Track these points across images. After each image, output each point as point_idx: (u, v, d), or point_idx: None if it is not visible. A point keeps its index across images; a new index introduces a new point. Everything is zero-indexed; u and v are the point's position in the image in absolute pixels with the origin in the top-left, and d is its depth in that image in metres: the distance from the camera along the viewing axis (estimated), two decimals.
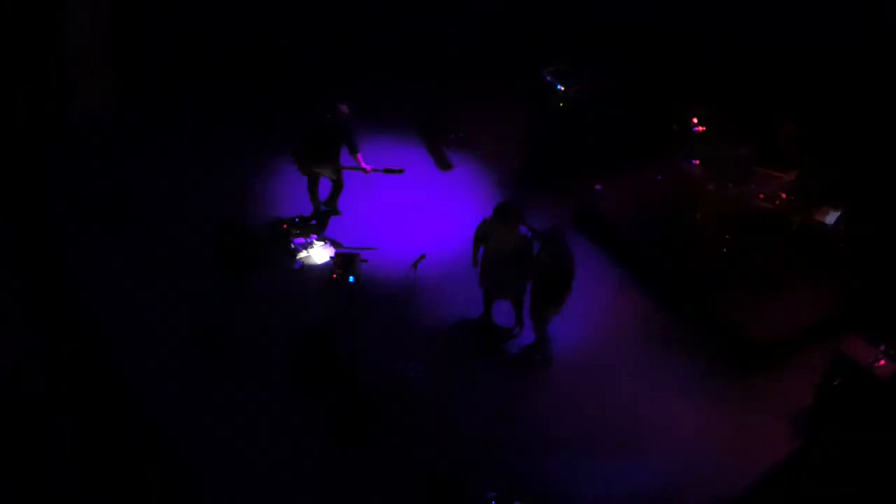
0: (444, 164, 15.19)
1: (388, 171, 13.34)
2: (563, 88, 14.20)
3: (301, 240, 13.29)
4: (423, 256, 11.89)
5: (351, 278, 12.09)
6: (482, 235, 11.92)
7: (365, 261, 12.49)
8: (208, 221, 13.36)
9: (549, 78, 14.35)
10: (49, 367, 11.31)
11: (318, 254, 13.18)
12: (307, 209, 13.85)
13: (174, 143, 14.83)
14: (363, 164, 13.24)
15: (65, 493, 10.22)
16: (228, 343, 11.93)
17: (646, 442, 11.43)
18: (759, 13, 14.17)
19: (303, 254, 13.20)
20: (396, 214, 14.09)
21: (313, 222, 13.71)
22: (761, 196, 13.22)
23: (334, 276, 12.19)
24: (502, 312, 12.59)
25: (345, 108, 13.01)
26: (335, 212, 13.89)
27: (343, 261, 12.34)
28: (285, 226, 13.53)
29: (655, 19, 15.14)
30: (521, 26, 16.09)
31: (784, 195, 13.26)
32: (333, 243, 13.32)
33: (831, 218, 13.26)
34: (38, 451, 10.46)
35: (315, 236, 13.34)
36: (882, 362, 11.05)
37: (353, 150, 13.18)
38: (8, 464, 10.26)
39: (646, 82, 14.85)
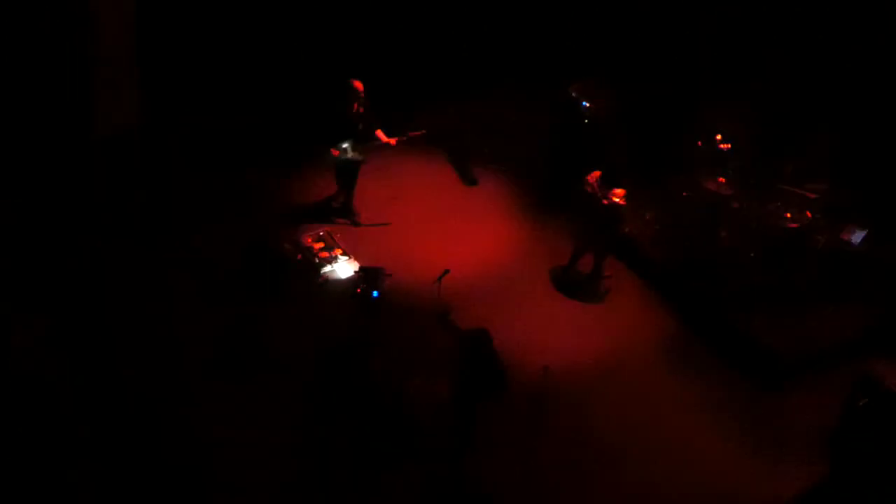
0: (469, 180, 15.20)
1: (410, 137, 13.37)
2: (588, 105, 14.18)
3: (326, 254, 13.34)
4: (447, 271, 11.90)
5: (375, 293, 12.09)
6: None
7: (390, 275, 12.51)
8: (234, 237, 13.41)
9: (574, 94, 14.34)
10: (74, 379, 11.33)
11: (343, 268, 13.20)
12: (331, 223, 13.89)
13: (199, 158, 14.88)
14: (385, 139, 13.35)
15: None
16: (254, 360, 11.97)
17: (668, 462, 11.41)
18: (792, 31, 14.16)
19: (327, 268, 13.22)
20: (421, 229, 14.10)
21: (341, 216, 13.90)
22: (787, 215, 13.15)
23: (358, 290, 12.20)
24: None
25: (359, 84, 13.14)
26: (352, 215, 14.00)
27: (367, 276, 12.36)
28: (309, 240, 13.56)
29: (680, 34, 15.16)
30: (548, 42, 16.11)
31: (810, 213, 13.20)
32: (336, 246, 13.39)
33: (857, 237, 13.19)
34: (61, 460, 10.51)
35: (340, 252, 13.38)
36: None
37: (374, 127, 13.33)
38: (31, 469, 10.31)
39: (671, 99, 14.82)
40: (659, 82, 14.96)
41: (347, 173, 13.81)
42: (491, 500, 10.58)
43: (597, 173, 12.72)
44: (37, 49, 13.88)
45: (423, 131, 13.42)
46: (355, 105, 13.23)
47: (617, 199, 12.64)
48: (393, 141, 13.41)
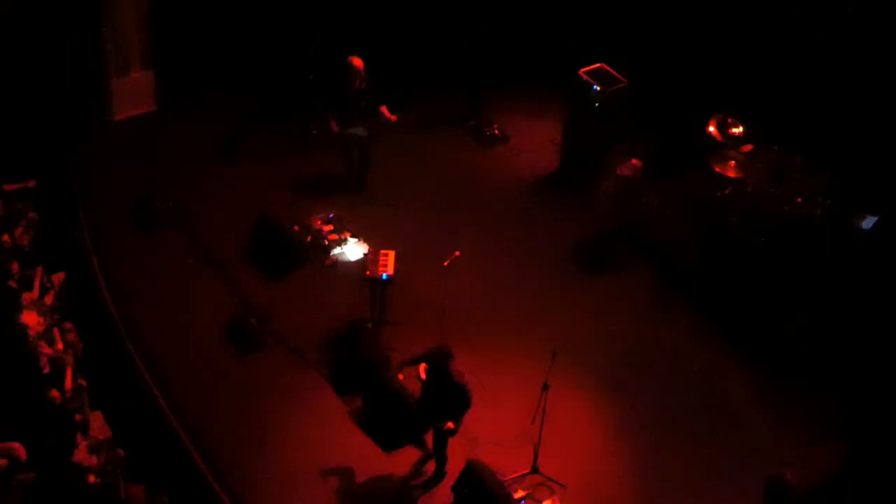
0: (478, 163, 15.16)
1: (410, 115, 13.55)
2: (598, 88, 14.13)
3: (335, 237, 13.33)
4: (457, 254, 11.88)
5: (384, 276, 12.08)
6: None
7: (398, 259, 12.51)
8: (242, 218, 13.41)
9: (585, 78, 14.29)
10: (81, 363, 11.35)
11: (352, 250, 13.21)
12: (339, 205, 13.86)
13: (209, 139, 14.86)
14: (388, 115, 13.53)
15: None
16: (262, 341, 12.02)
17: (679, 458, 11.38)
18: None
19: (336, 251, 13.23)
20: (430, 212, 14.09)
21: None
22: (799, 199, 13.08)
23: (367, 272, 12.21)
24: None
25: (359, 62, 13.27)
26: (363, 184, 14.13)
27: (376, 258, 12.36)
28: (318, 222, 13.55)
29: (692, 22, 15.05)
30: (559, 26, 16.04)
31: (821, 199, 13.11)
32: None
33: (868, 223, 13.10)
34: (68, 440, 10.53)
35: (349, 234, 13.37)
36: None
37: (378, 104, 13.48)
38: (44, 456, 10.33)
39: (683, 83, 14.74)
40: (664, 81, 14.86)
41: (353, 150, 13.85)
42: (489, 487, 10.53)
43: (619, 148, 12.76)
44: (50, 37, 13.90)
45: (425, 110, 13.54)
46: (356, 82, 13.32)
47: (630, 172, 12.64)
48: (394, 118, 13.51)
